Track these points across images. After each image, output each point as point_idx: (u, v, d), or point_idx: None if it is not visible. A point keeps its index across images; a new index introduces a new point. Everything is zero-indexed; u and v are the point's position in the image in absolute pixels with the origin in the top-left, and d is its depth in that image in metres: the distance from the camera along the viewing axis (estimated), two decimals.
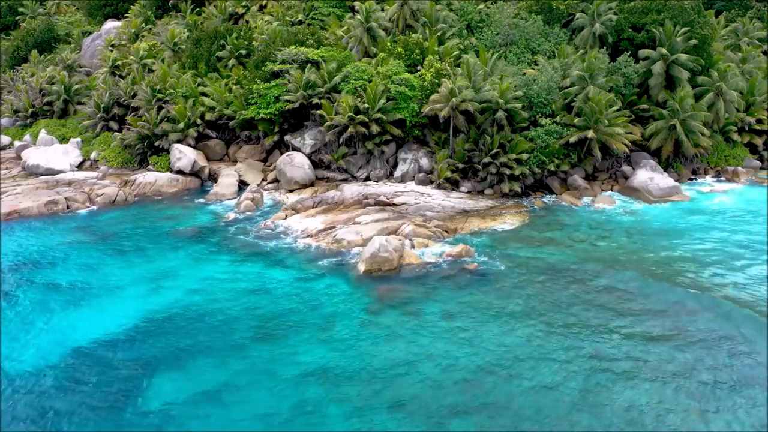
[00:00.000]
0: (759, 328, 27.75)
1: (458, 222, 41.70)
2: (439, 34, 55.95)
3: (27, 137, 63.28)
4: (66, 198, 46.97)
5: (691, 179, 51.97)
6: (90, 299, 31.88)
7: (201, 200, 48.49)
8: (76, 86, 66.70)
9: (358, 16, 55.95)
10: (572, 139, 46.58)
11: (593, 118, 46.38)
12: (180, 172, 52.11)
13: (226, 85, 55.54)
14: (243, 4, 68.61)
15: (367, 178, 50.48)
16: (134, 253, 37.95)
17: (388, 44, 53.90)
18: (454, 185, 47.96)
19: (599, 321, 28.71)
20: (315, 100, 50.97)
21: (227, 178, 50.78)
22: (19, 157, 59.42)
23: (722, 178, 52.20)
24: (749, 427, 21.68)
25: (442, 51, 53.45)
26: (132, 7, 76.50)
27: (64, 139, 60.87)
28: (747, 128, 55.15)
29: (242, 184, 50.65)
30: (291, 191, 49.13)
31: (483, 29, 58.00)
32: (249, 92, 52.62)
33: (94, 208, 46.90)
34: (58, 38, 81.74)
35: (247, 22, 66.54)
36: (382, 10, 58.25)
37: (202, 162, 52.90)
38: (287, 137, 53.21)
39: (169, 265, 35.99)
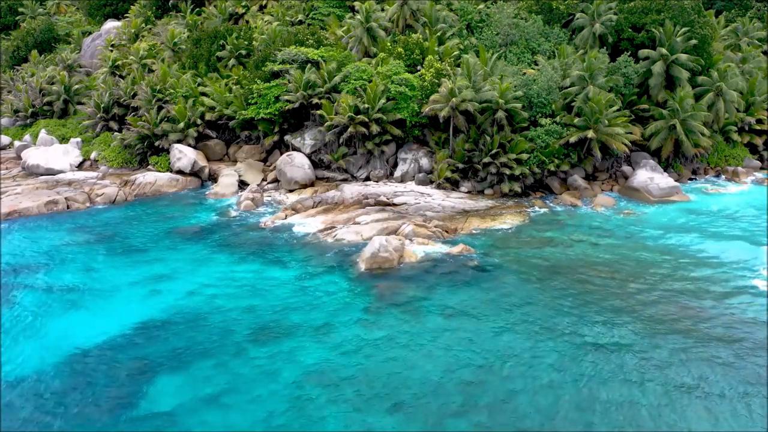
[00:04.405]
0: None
1: (458, 222, 41.69)
2: (439, 34, 55.95)
3: (27, 137, 63.29)
4: (66, 198, 46.96)
5: (691, 179, 52.00)
6: (90, 300, 31.85)
7: (201, 200, 48.46)
8: (76, 86, 66.72)
9: (358, 16, 55.96)
10: (572, 139, 46.57)
11: (593, 118, 46.38)
12: (180, 172, 52.12)
13: (226, 85, 55.54)
14: (243, 4, 68.63)
15: (367, 178, 50.47)
16: (134, 253, 37.94)
17: (388, 44, 53.90)
18: (454, 185, 47.95)
19: (599, 320, 28.69)
20: (315, 100, 50.96)
21: (227, 178, 50.79)
22: (19, 157, 59.45)
23: (722, 178, 52.23)
24: None
25: (442, 51, 53.44)
26: (132, 7, 76.52)
27: (64, 139, 60.89)
28: (747, 128, 55.23)
29: (242, 184, 50.68)
30: (291, 191, 49.13)
31: (483, 29, 58.00)
32: (249, 92, 52.62)
33: (94, 207, 46.90)
34: (58, 38, 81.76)
35: (247, 22, 66.55)
36: (382, 10, 58.26)
37: (202, 162, 52.90)
38: (287, 137, 53.22)
39: (169, 265, 35.96)
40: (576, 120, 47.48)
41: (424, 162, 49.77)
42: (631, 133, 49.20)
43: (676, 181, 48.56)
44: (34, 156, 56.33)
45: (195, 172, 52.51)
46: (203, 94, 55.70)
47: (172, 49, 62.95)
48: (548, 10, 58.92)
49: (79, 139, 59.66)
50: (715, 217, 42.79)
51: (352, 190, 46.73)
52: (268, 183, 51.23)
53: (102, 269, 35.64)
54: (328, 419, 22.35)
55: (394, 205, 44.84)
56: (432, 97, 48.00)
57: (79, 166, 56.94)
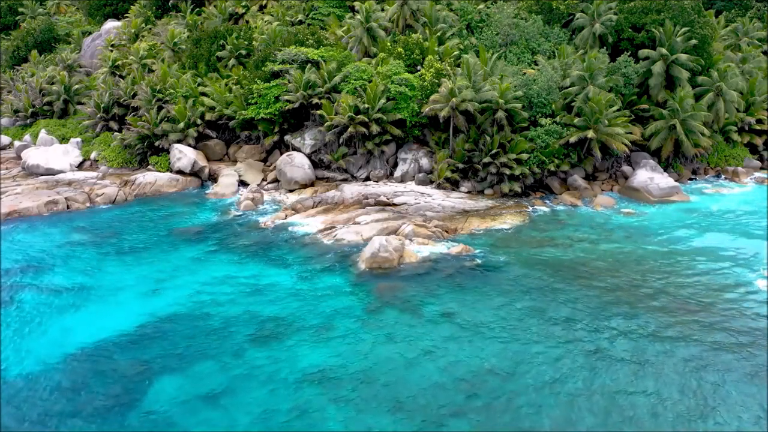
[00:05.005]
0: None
1: (458, 222, 41.69)
2: (439, 34, 55.95)
3: (27, 137, 63.27)
4: (66, 198, 46.94)
5: (691, 179, 52.02)
6: (90, 301, 31.82)
7: (201, 200, 48.44)
8: (76, 86, 66.71)
9: (358, 16, 55.96)
10: (572, 139, 46.57)
11: (593, 118, 46.38)
12: (180, 172, 52.11)
13: (226, 85, 55.54)
14: (243, 4, 68.63)
15: (367, 178, 50.47)
16: (134, 253, 37.93)
17: (388, 44, 53.89)
18: (454, 185, 47.96)
19: (599, 319, 28.69)
20: (315, 100, 50.96)
21: (227, 178, 50.79)
22: (19, 157, 59.43)
23: (722, 178, 52.25)
24: None
25: (442, 51, 53.44)
26: (132, 7, 76.52)
27: (64, 139, 60.87)
28: (747, 128, 55.26)
29: (242, 184, 50.70)
30: (291, 191, 49.13)
31: (483, 29, 58.01)
32: (249, 92, 52.62)
33: (94, 208, 46.88)
34: (58, 38, 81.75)
35: (247, 22, 66.55)
36: (382, 10, 58.26)
37: (202, 162, 52.90)
38: (287, 137, 53.22)
39: (169, 265, 35.94)
40: (576, 120, 47.48)
41: (424, 162, 49.78)
42: (631, 133, 49.21)
43: (676, 181, 48.59)
44: (34, 156, 56.32)
45: (195, 172, 52.50)
46: (203, 94, 55.70)
47: (172, 49, 62.94)
48: (548, 10, 58.93)
49: (79, 139, 59.65)
50: (716, 217, 42.79)
51: (352, 190, 46.73)
52: (268, 183, 51.23)
53: (102, 269, 35.62)
54: (328, 419, 22.34)
55: (394, 205, 44.84)
56: (432, 97, 48.01)
57: (79, 166, 56.93)
